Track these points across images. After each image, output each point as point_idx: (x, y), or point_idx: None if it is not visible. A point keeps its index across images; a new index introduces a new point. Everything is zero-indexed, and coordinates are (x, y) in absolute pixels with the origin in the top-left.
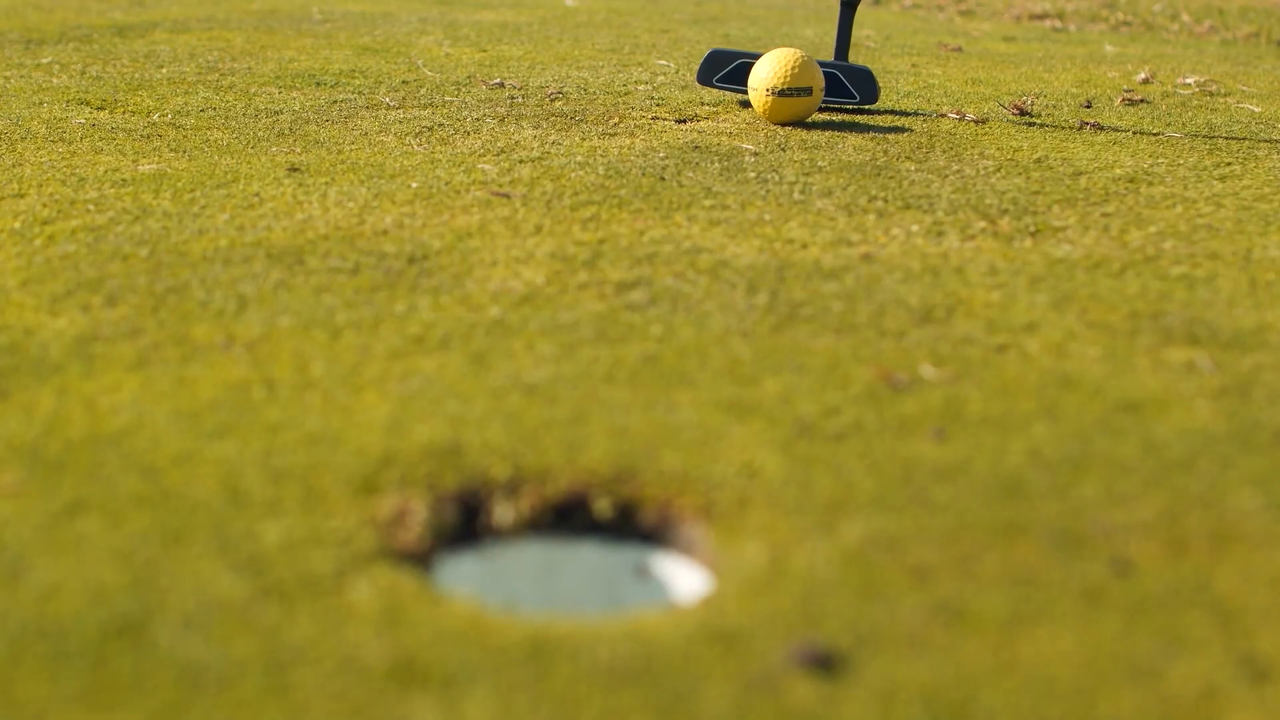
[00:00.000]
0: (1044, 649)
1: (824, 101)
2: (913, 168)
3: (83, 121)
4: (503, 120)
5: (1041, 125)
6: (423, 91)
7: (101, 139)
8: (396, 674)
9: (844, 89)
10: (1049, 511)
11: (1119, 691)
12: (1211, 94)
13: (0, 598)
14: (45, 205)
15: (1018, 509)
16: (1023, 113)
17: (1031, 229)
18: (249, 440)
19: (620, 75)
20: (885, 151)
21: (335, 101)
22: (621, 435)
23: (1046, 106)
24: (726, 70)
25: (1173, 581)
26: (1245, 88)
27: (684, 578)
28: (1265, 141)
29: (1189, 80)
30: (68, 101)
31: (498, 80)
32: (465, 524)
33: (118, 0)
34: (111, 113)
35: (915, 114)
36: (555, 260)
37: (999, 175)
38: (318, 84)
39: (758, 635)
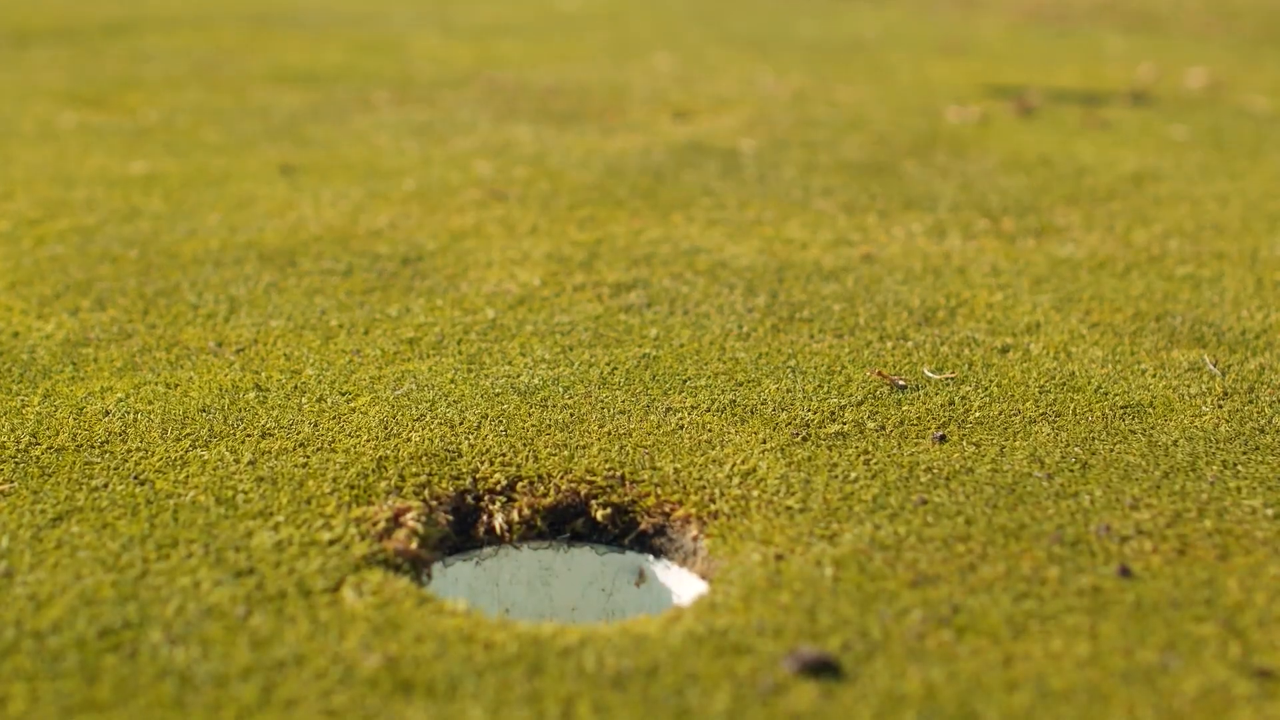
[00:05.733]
0: (1046, 655)
1: None
2: (914, 166)
3: (72, 120)
4: (499, 119)
5: (1045, 123)
6: (418, 90)
7: (91, 138)
8: (391, 681)
9: None
10: (1052, 516)
11: (1122, 697)
12: (1218, 91)
13: None
14: (34, 206)
15: (1020, 513)
16: (1026, 110)
17: (1035, 228)
18: (240, 445)
19: (618, 72)
20: (886, 150)
21: (329, 100)
22: (618, 439)
23: (1050, 104)
24: None
25: (1176, 586)
26: (1253, 85)
27: (682, 583)
28: (1273, 139)
29: (1196, 77)
30: (57, 100)
31: (494, 77)
32: (460, 530)
33: None
34: (101, 111)
35: (917, 111)
36: (551, 261)
37: (1002, 173)
38: (311, 82)
39: (756, 642)
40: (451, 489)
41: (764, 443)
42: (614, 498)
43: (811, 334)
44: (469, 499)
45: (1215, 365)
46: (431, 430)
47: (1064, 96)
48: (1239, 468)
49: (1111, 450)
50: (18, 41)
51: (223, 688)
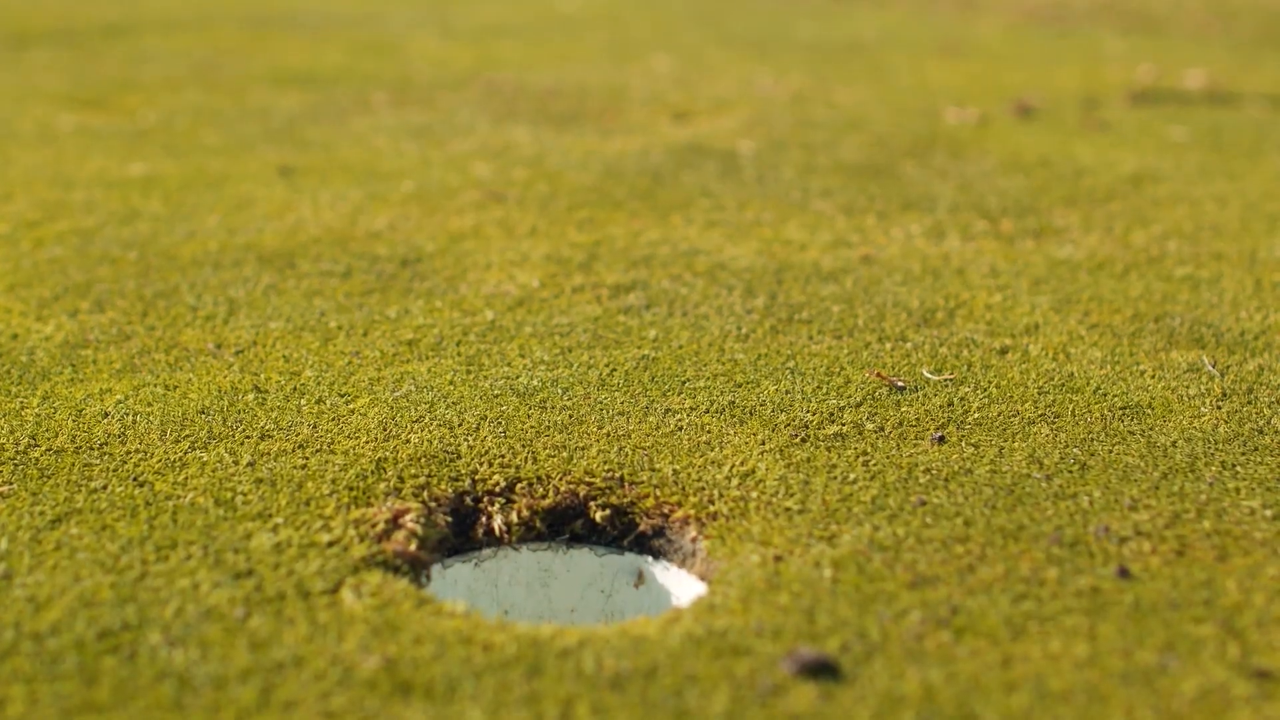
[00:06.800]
0: (1045, 656)
1: None
2: (913, 167)
3: (71, 122)
4: (497, 120)
5: (1044, 124)
6: (416, 91)
7: (90, 140)
8: (390, 683)
9: None
10: (1050, 517)
11: (1121, 698)
12: (1217, 92)
13: None
14: (33, 208)
15: (1019, 514)
16: (1025, 111)
17: (1034, 229)
18: (239, 447)
19: (617, 74)
20: (885, 151)
21: (327, 101)
22: (617, 441)
23: (1049, 105)
24: None
25: (1175, 587)
26: (1252, 85)
27: (681, 584)
28: (1272, 139)
29: (1195, 77)
30: (56, 101)
31: (493, 79)
32: (459, 531)
33: None
34: (100, 113)
35: (916, 112)
36: (550, 263)
37: (1001, 175)
38: (310, 84)
39: (755, 643)
40: (450, 490)
41: (763, 444)
42: (613, 499)
43: (810, 335)
44: (468, 500)
45: (1214, 366)
46: (430, 432)
47: (1063, 97)
48: (1238, 469)
49: (1110, 451)
50: (17, 43)
51: (221, 689)
